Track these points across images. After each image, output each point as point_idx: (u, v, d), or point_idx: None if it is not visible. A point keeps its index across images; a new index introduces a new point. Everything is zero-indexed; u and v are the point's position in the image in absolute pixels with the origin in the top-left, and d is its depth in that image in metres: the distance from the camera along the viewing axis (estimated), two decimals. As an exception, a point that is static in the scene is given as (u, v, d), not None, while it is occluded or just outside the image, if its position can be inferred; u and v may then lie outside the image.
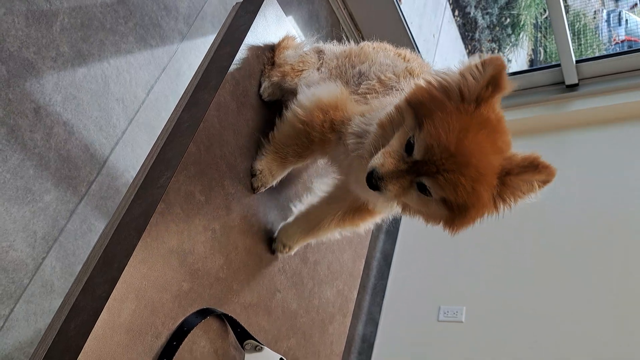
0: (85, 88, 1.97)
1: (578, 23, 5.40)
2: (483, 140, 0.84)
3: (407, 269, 3.18)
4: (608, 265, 2.54)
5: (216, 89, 1.10)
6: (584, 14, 5.87)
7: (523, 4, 5.75)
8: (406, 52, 1.20)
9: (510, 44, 5.24)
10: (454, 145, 0.83)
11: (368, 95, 1.11)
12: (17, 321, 1.66)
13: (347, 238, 1.49)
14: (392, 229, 3.40)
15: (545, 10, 5.16)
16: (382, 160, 0.89)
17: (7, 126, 1.68)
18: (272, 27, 1.29)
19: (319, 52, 1.26)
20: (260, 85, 1.24)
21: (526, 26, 5.45)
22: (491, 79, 0.84)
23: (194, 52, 2.45)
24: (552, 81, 3.28)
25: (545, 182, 0.88)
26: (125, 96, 2.14)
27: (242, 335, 1.08)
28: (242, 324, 1.08)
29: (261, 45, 1.26)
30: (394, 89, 1.09)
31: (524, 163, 0.87)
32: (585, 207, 2.80)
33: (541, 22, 5.59)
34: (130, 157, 2.10)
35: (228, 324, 1.07)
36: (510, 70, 4.75)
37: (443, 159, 0.84)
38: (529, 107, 3.28)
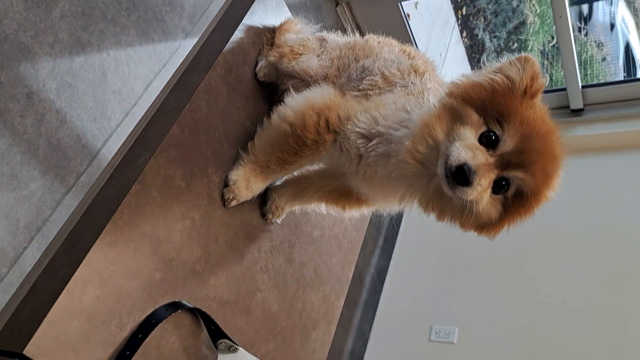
0: (81, 77, 1.92)
1: (585, 54, 5.39)
2: (555, 130, 0.90)
3: (400, 285, 3.10)
4: (605, 291, 2.48)
5: (206, 72, 1.05)
6: (591, 45, 5.87)
7: (531, 29, 5.73)
8: (411, 49, 1.15)
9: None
10: (549, 132, 0.88)
11: (370, 92, 1.06)
12: (-10, 310, 1.59)
13: (337, 242, 1.42)
14: (387, 245, 3.33)
15: (553, 38, 5.13)
16: (471, 153, 0.86)
17: (-3, 109, 1.63)
18: (270, 14, 1.24)
19: (322, 40, 1.22)
20: (256, 65, 1.18)
21: (533, 52, 5.43)
22: (534, 75, 0.90)
23: (196, 49, 2.40)
24: (557, 105, 3.24)
25: None
26: (122, 89, 2.09)
27: (216, 334, 1.01)
28: (217, 322, 1.01)
29: (260, 28, 1.21)
30: (397, 85, 1.05)
31: None
32: (584, 234, 2.74)
33: (548, 49, 5.57)
34: (123, 150, 2.04)
35: (201, 321, 1.00)
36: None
37: (541, 148, 0.87)
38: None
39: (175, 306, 0.95)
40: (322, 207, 1.21)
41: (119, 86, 2.07)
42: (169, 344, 0.94)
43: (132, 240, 0.88)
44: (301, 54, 1.17)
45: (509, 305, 2.64)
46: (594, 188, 2.91)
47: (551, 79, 5.43)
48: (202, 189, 1.02)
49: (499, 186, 0.90)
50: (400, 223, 3.35)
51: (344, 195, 1.16)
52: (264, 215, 1.18)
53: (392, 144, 0.97)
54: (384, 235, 3.43)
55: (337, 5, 3.27)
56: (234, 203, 1.08)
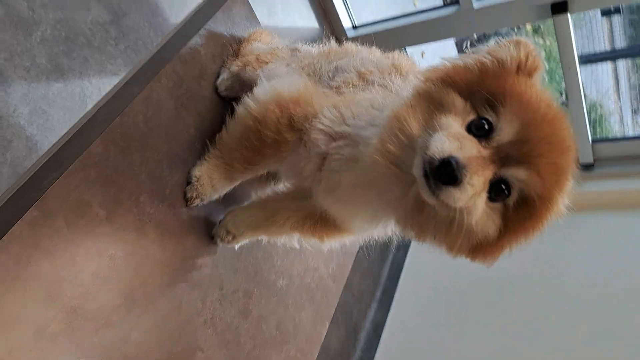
0: (58, 104, 1.77)
1: (594, 112, 5.24)
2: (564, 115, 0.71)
3: (398, 343, 2.86)
4: (612, 353, 2.30)
5: (148, 82, 0.88)
6: (600, 105, 5.74)
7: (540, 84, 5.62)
8: (394, 54, 0.97)
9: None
10: (556, 118, 0.69)
11: (343, 88, 0.89)
12: None
13: (309, 293, 1.21)
14: (385, 297, 3.10)
15: (561, 94, 4.99)
16: (457, 143, 0.66)
17: (-40, 131, 1.48)
18: (238, 26, 1.08)
19: (294, 50, 1.05)
20: (217, 78, 1.02)
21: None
22: (529, 52, 0.73)
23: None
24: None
25: None
26: (102, 117, 1.94)
27: (133, 405, 0.80)
28: (137, 389, 0.80)
29: (223, 40, 1.04)
30: (375, 84, 0.87)
31: None
32: (591, 293, 2.55)
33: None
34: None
35: (114, 388, 0.79)
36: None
37: (549, 136, 0.68)
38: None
39: (78, 367, 0.75)
40: (294, 241, 1.01)
41: (99, 113, 1.92)
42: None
43: (20, 279, 0.69)
44: (267, 62, 1.00)
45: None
46: (603, 246, 2.74)
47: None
48: (130, 220, 0.83)
49: (496, 190, 0.69)
50: (400, 274, 3.13)
51: (321, 221, 0.96)
52: (212, 238, 0.99)
53: (360, 146, 0.78)
54: (382, 287, 3.19)
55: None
56: (196, 202, 0.94)
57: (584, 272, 2.58)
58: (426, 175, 0.66)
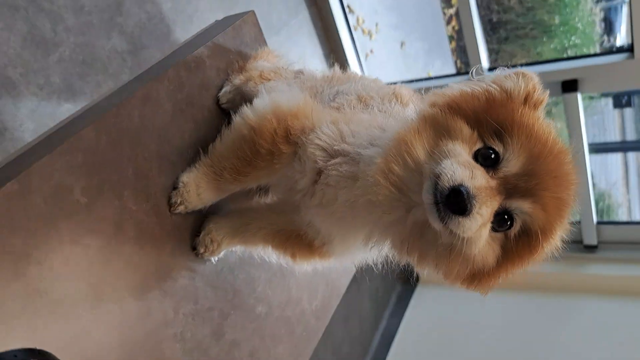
0: (64, 124, 1.80)
1: (602, 202, 5.24)
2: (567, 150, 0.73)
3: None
4: None
5: (149, 81, 0.88)
6: (609, 195, 5.75)
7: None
8: (396, 85, 0.98)
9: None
10: (561, 152, 0.71)
11: (343, 108, 0.89)
12: None
13: (288, 327, 1.16)
14: (379, 357, 2.98)
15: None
16: (469, 172, 0.66)
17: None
18: (247, 45, 1.10)
19: (298, 72, 1.06)
20: (220, 90, 1.03)
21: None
22: (534, 86, 0.74)
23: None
24: (569, 238, 3.05)
25: None
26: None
27: (83, 407, 0.75)
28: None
29: (230, 57, 1.06)
30: (374, 109, 0.87)
31: None
32: None
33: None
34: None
35: (65, 384, 0.74)
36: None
37: (555, 170, 0.69)
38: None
39: (32, 354, 0.70)
40: (269, 253, 0.99)
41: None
42: (7, 408, 0.68)
43: (-15, 251, 0.67)
44: (270, 80, 1.01)
45: None
46: (602, 332, 2.68)
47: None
48: (110, 213, 0.81)
49: (499, 221, 0.70)
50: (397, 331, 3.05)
51: (293, 238, 0.95)
52: (194, 249, 0.96)
53: (361, 164, 0.77)
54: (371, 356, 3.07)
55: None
56: (181, 209, 0.92)
57: (581, 356, 2.50)
58: (436, 202, 0.67)
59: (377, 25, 3.18)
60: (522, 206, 0.70)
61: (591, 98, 4.63)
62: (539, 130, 0.70)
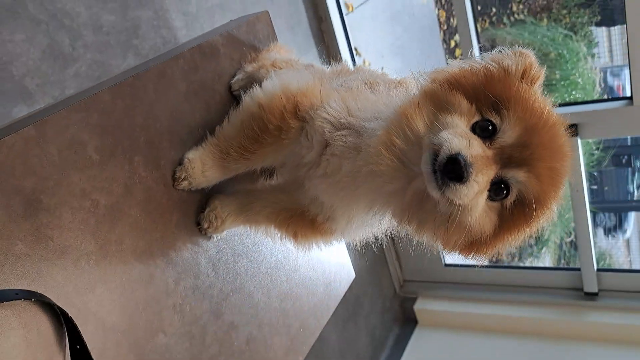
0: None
1: (602, 262, 5.21)
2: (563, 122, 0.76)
3: None
4: None
5: (166, 59, 0.93)
6: (609, 255, 5.73)
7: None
8: (403, 77, 1.03)
9: (531, 254, 4.99)
10: (556, 124, 0.74)
11: (350, 89, 0.93)
12: None
13: (285, 320, 1.15)
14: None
15: (571, 233, 4.99)
16: (466, 141, 0.69)
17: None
18: (260, 41, 1.15)
19: (308, 66, 1.11)
20: (233, 78, 1.07)
21: (549, 242, 5.26)
22: (531, 63, 0.78)
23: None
24: (570, 285, 3.02)
25: None
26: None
27: (81, 357, 0.75)
28: (88, 345, 0.75)
29: (243, 49, 1.11)
30: (380, 90, 0.92)
31: None
32: None
33: (566, 243, 5.40)
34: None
35: (66, 331, 0.74)
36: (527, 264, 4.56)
37: (549, 142, 0.72)
38: (541, 307, 2.99)
39: (31, 294, 0.71)
40: (275, 235, 1.01)
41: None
42: (7, 346, 0.68)
43: None
44: (281, 68, 1.06)
45: None
46: None
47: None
48: (120, 174, 0.84)
49: (496, 190, 0.73)
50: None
51: (296, 216, 0.97)
52: (198, 224, 0.97)
53: (364, 137, 0.81)
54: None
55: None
56: (184, 185, 0.93)
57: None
58: (434, 170, 0.70)
59: (382, 68, 3.28)
60: (517, 175, 0.73)
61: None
62: (535, 104, 0.74)
